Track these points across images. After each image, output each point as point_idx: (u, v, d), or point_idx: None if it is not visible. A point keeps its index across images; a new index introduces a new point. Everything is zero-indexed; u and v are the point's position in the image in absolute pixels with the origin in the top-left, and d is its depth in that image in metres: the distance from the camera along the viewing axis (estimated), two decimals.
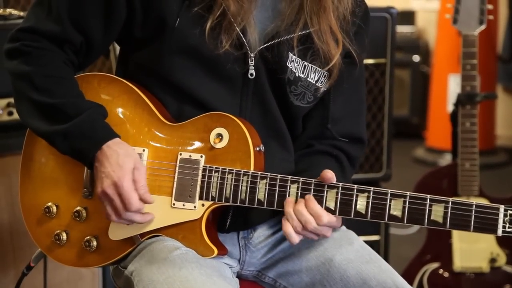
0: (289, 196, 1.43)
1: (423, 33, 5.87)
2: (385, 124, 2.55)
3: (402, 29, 5.45)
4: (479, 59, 2.63)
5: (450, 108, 2.92)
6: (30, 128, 1.53)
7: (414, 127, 5.53)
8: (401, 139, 4.89)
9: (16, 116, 2.11)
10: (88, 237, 1.51)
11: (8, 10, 2.17)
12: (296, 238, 1.43)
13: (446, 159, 4.73)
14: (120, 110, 1.51)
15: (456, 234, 2.66)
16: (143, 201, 1.45)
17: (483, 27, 2.61)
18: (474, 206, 1.35)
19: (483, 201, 2.65)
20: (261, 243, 1.58)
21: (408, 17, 5.62)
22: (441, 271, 2.68)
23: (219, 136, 1.46)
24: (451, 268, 2.67)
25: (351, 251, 1.53)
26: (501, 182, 4.51)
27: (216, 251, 1.46)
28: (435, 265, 2.68)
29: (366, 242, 1.62)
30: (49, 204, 1.53)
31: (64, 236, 1.52)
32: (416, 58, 5.55)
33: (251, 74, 1.50)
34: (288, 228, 1.42)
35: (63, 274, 2.19)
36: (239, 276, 1.59)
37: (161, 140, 1.49)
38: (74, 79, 1.51)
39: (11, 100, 2.09)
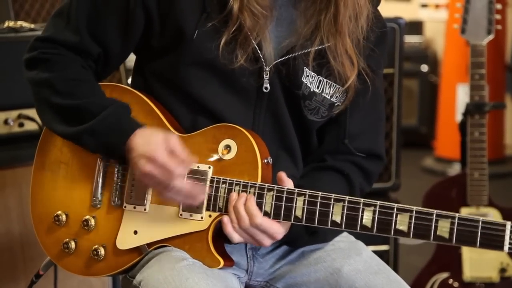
0: (296, 209, 1.42)
1: (431, 43, 5.87)
2: (394, 133, 2.55)
3: (410, 39, 5.46)
4: (487, 69, 2.63)
5: (458, 117, 2.92)
6: (57, 133, 1.53)
7: (423, 136, 5.53)
8: (410, 149, 4.89)
9: (26, 127, 2.13)
10: (96, 246, 1.52)
11: (19, 22, 2.18)
12: (234, 236, 1.42)
13: (455, 169, 4.72)
14: None
15: None
16: (187, 164, 1.42)
17: (491, 37, 2.61)
18: (480, 222, 1.34)
19: (493, 211, 2.65)
20: (268, 254, 1.58)
21: (416, 27, 5.63)
22: (450, 281, 2.67)
23: (227, 147, 1.46)
24: (461, 278, 2.66)
25: (360, 261, 1.53)
26: (511, 192, 4.50)
27: (222, 262, 1.46)
28: (444, 275, 2.68)
29: (375, 252, 1.62)
30: (59, 212, 1.54)
31: (72, 244, 1.53)
32: (424, 68, 5.55)
33: (266, 88, 1.50)
34: (228, 227, 1.42)
35: (73, 284, 2.20)
36: (247, 286, 1.59)
37: None
38: (93, 81, 1.52)
39: (22, 111, 2.10)
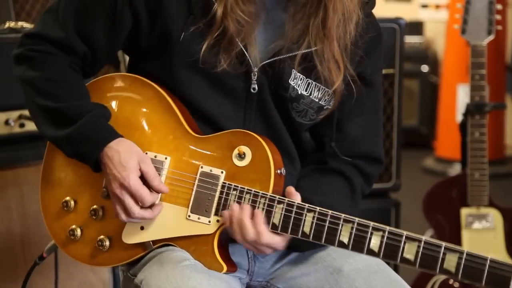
0: (304, 224, 1.41)
1: (431, 44, 5.88)
2: (394, 134, 2.56)
3: (410, 39, 5.47)
4: (487, 69, 2.63)
5: (459, 118, 2.92)
6: (40, 133, 1.54)
7: (423, 137, 5.54)
8: (410, 149, 4.89)
9: (27, 128, 2.13)
10: (102, 236, 1.52)
11: (20, 23, 2.19)
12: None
13: (455, 169, 4.73)
14: (147, 114, 1.51)
15: (466, 244, 2.66)
16: (159, 191, 1.45)
17: (491, 37, 2.62)
18: (488, 261, 1.31)
19: (493, 211, 2.65)
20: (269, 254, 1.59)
21: (416, 27, 5.64)
22: (451, 281, 2.67)
23: (242, 154, 1.46)
24: None
25: (360, 261, 1.53)
26: (511, 192, 4.50)
27: (225, 268, 1.46)
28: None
29: None
30: (68, 198, 1.54)
31: (78, 232, 1.53)
32: (424, 68, 5.56)
33: (254, 89, 1.50)
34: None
35: (73, 285, 2.20)
36: (248, 287, 1.59)
37: (185, 150, 1.49)
38: (77, 81, 1.52)
39: (23, 112, 2.11)
